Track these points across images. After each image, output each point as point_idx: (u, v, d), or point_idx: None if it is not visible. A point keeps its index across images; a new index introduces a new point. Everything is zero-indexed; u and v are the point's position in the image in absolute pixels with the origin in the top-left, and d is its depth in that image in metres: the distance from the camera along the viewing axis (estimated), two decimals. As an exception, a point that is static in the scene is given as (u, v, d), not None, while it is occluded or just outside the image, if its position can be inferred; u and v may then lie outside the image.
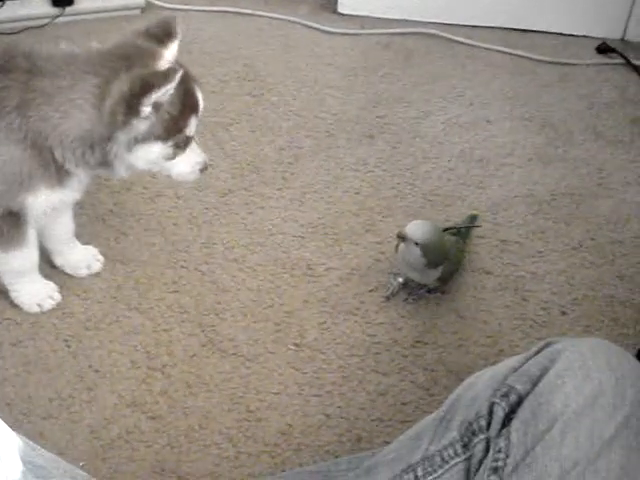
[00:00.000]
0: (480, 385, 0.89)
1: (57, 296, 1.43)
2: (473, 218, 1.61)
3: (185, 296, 1.45)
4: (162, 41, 1.25)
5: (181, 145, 1.25)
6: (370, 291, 1.47)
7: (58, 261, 1.48)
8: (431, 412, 0.95)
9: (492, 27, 2.32)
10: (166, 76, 1.15)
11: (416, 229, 1.36)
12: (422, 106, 1.99)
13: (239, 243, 1.56)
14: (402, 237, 1.37)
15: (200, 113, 1.25)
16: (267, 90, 2.03)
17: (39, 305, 1.41)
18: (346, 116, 1.94)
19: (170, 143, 1.22)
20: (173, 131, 1.21)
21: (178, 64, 1.23)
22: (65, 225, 1.47)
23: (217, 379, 1.31)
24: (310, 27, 2.31)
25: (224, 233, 1.59)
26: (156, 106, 1.16)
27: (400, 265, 1.44)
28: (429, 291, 1.46)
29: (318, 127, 1.90)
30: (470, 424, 0.87)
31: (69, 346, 1.35)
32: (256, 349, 1.36)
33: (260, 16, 2.35)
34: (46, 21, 2.24)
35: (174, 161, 1.26)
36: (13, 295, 1.41)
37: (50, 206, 1.30)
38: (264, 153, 1.81)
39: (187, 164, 1.28)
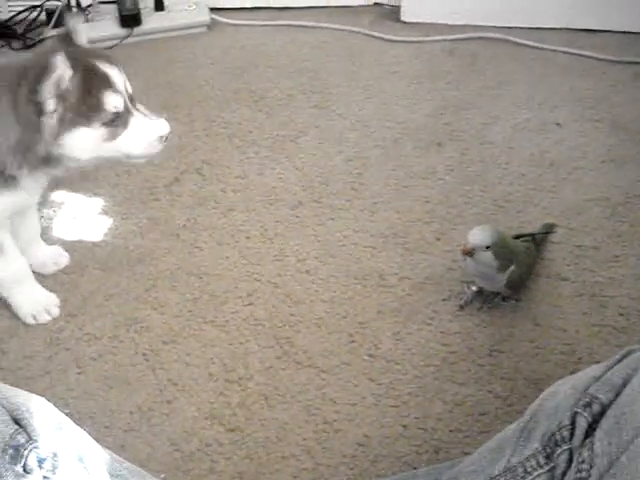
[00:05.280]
0: (561, 395, 0.87)
1: (55, 311, 1.46)
2: (550, 226, 1.58)
3: (259, 309, 1.46)
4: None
5: (115, 123, 1.23)
6: (444, 300, 1.46)
7: (26, 261, 1.47)
8: (510, 422, 0.94)
9: (558, 28, 2.29)
10: (45, 66, 1.15)
11: (481, 235, 1.35)
12: (490, 111, 1.98)
13: (311, 255, 1.57)
14: (470, 252, 1.35)
15: (118, 85, 1.23)
16: (333, 101, 2.04)
17: (34, 317, 1.44)
18: (413, 124, 1.94)
19: (96, 124, 1.22)
20: (90, 112, 1.20)
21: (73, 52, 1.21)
22: (31, 227, 1.51)
23: (293, 391, 1.31)
24: (374, 37, 2.32)
25: (296, 245, 1.60)
26: (60, 96, 1.17)
27: (470, 276, 1.43)
28: (504, 299, 1.44)
29: (385, 136, 1.90)
30: (552, 435, 0.85)
31: (147, 360, 1.38)
32: (331, 360, 1.36)
33: (323, 28, 2.37)
34: (115, 42, 2.31)
35: (120, 140, 1.25)
36: (11, 305, 1.45)
37: (6, 210, 1.32)
38: (332, 164, 1.82)
39: (137, 138, 1.26)
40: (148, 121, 1.28)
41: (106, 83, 1.22)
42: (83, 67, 1.20)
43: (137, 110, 1.27)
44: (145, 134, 1.27)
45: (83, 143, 1.23)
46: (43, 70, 1.16)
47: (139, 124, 1.26)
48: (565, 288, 1.48)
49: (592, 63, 2.16)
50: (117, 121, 1.24)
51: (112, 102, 1.22)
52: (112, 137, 1.24)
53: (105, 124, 1.23)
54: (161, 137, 1.28)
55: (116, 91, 1.23)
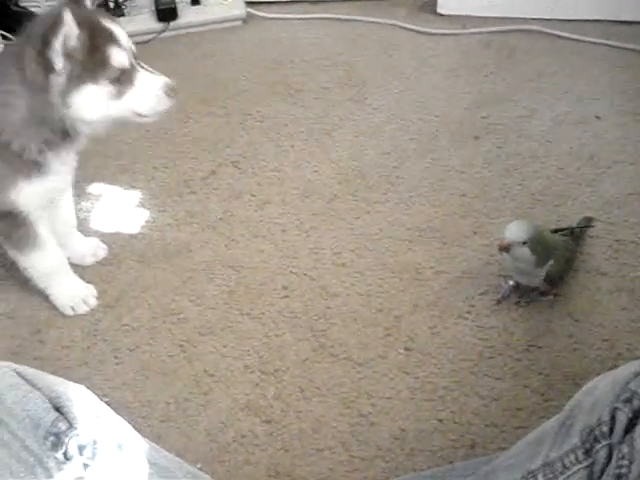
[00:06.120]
0: (601, 390, 0.86)
1: (93, 301, 1.48)
2: (588, 220, 1.56)
3: (295, 301, 1.46)
4: None
5: (121, 79, 1.24)
6: (480, 294, 1.45)
7: (64, 253, 1.49)
8: (547, 417, 0.93)
9: (596, 20, 2.26)
10: (54, 23, 1.16)
11: (518, 230, 1.34)
12: (528, 104, 1.96)
13: (347, 248, 1.57)
14: (506, 247, 1.34)
15: (123, 42, 1.24)
16: (369, 94, 2.03)
17: (72, 308, 1.46)
18: (450, 117, 1.93)
19: (104, 81, 1.23)
20: (97, 68, 1.21)
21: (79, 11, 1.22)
22: (67, 219, 1.53)
23: (329, 383, 1.31)
24: (410, 29, 2.30)
25: (331, 238, 1.60)
26: (67, 54, 1.18)
27: (507, 270, 1.42)
28: (542, 294, 1.42)
29: (422, 130, 1.89)
30: (592, 430, 0.84)
31: (184, 351, 1.38)
32: (367, 353, 1.36)
33: (359, 21, 2.36)
34: (152, 36, 2.32)
35: (128, 97, 1.26)
36: (50, 297, 1.47)
37: (39, 197, 1.33)
38: (368, 157, 1.81)
39: (144, 94, 1.27)
40: (153, 76, 1.29)
41: (111, 40, 1.23)
42: (89, 24, 1.21)
43: (142, 67, 1.29)
44: (151, 89, 1.28)
45: (91, 101, 1.24)
46: (51, 27, 1.17)
47: (145, 80, 1.28)
48: (604, 283, 1.46)
49: (632, 55, 2.13)
50: (123, 78, 1.25)
51: (118, 58, 1.23)
52: (120, 94, 1.26)
53: (112, 81, 1.24)
54: (168, 90, 1.29)
55: (121, 48, 1.24)
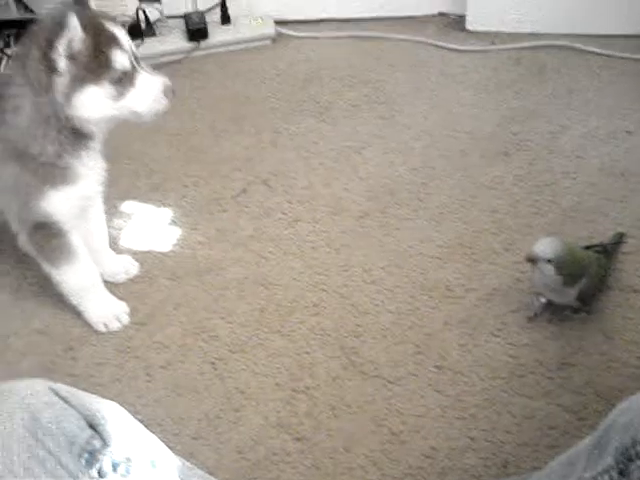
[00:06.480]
0: (635, 409, 0.85)
1: (125, 319, 1.49)
2: (620, 235, 1.55)
3: (326, 319, 1.47)
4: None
5: (122, 80, 1.27)
6: (512, 312, 1.44)
7: (97, 270, 1.51)
8: (580, 437, 0.92)
9: (625, 35, 2.24)
10: (60, 25, 1.19)
11: (545, 247, 1.33)
12: (558, 120, 1.95)
13: (377, 265, 1.57)
14: (532, 259, 1.34)
15: (124, 44, 1.27)
16: (398, 111, 2.04)
17: (105, 325, 1.48)
18: (480, 134, 1.92)
19: (106, 82, 1.25)
20: (99, 70, 1.24)
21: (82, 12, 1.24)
22: (99, 236, 1.55)
23: (360, 401, 1.31)
24: (438, 46, 2.31)
25: (361, 256, 1.60)
26: (70, 55, 1.20)
27: (538, 287, 1.41)
28: (574, 311, 1.41)
29: (451, 146, 1.89)
30: (626, 450, 0.83)
31: (215, 368, 1.39)
32: (397, 371, 1.35)
33: (387, 39, 2.37)
34: (183, 56, 2.35)
35: (128, 97, 1.29)
36: (83, 313, 1.48)
37: (69, 205, 1.35)
38: (398, 175, 1.81)
39: (144, 95, 1.30)
40: (153, 77, 1.32)
41: (114, 42, 1.26)
42: (93, 27, 1.24)
43: (142, 68, 1.31)
44: (151, 90, 1.31)
45: (93, 102, 1.27)
46: (56, 30, 1.20)
47: (145, 81, 1.31)
48: (637, 300, 1.45)
49: (662, 70, 2.12)
50: (124, 79, 1.28)
51: (119, 60, 1.26)
52: (120, 95, 1.28)
53: (113, 82, 1.27)
54: (166, 90, 1.32)
55: (123, 50, 1.27)
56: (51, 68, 1.22)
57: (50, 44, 1.20)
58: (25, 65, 1.25)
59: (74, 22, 1.19)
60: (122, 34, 1.28)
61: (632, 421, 0.83)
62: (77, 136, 1.31)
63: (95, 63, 1.24)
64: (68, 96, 1.25)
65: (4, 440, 0.76)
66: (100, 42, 1.24)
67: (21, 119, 1.27)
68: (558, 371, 1.33)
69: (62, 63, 1.21)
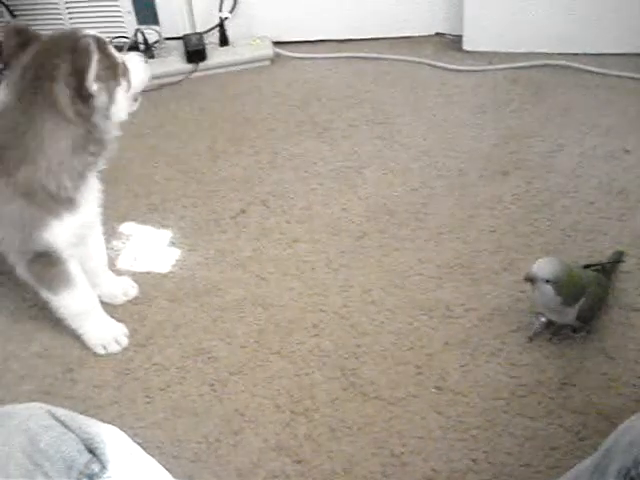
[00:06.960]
0: (637, 429, 0.84)
1: (124, 340, 1.49)
2: (619, 254, 1.55)
3: (325, 340, 1.46)
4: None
5: (124, 70, 1.35)
6: (512, 332, 1.44)
7: (96, 292, 1.51)
8: (582, 457, 0.92)
9: (622, 54, 2.25)
10: (86, 52, 1.23)
11: (544, 267, 1.33)
12: (556, 139, 1.95)
13: (376, 285, 1.57)
14: (531, 279, 1.34)
15: (106, 39, 1.33)
16: (396, 132, 2.04)
17: (104, 347, 1.47)
18: (478, 153, 1.93)
19: (120, 79, 1.33)
20: (114, 72, 1.32)
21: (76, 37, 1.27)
22: (98, 258, 1.55)
23: (360, 423, 1.30)
24: (436, 66, 2.32)
25: (361, 276, 1.60)
26: (97, 77, 1.25)
27: (538, 307, 1.40)
28: (574, 330, 1.41)
29: (449, 166, 1.89)
30: (629, 471, 0.83)
31: (215, 390, 1.38)
32: (398, 392, 1.35)
33: (385, 59, 2.38)
34: (181, 77, 2.36)
35: (132, 80, 1.37)
36: (82, 336, 1.48)
37: (71, 234, 1.36)
38: (397, 195, 1.81)
39: (138, 71, 1.39)
40: (128, 54, 1.41)
41: (106, 44, 1.32)
42: (97, 44, 1.27)
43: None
44: (136, 63, 1.40)
45: (123, 102, 1.35)
46: (80, 60, 1.23)
47: (129, 60, 1.38)
48: (637, 319, 1.44)
49: (659, 88, 2.12)
50: (124, 68, 1.35)
51: (116, 55, 1.33)
52: (129, 82, 1.36)
53: (123, 76, 1.34)
54: (143, 58, 1.43)
55: (112, 45, 1.34)
56: (87, 97, 1.25)
57: (80, 77, 1.23)
58: (55, 103, 1.25)
59: (93, 47, 1.23)
60: (96, 34, 1.33)
61: (634, 441, 0.83)
62: (94, 159, 1.34)
63: (110, 69, 1.30)
64: (106, 111, 1.30)
65: (2, 464, 0.75)
66: (104, 49, 1.30)
67: (56, 158, 1.28)
68: (559, 391, 1.32)
69: (94, 87, 1.26)
